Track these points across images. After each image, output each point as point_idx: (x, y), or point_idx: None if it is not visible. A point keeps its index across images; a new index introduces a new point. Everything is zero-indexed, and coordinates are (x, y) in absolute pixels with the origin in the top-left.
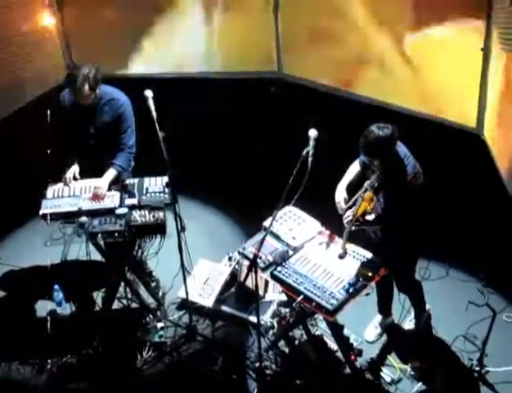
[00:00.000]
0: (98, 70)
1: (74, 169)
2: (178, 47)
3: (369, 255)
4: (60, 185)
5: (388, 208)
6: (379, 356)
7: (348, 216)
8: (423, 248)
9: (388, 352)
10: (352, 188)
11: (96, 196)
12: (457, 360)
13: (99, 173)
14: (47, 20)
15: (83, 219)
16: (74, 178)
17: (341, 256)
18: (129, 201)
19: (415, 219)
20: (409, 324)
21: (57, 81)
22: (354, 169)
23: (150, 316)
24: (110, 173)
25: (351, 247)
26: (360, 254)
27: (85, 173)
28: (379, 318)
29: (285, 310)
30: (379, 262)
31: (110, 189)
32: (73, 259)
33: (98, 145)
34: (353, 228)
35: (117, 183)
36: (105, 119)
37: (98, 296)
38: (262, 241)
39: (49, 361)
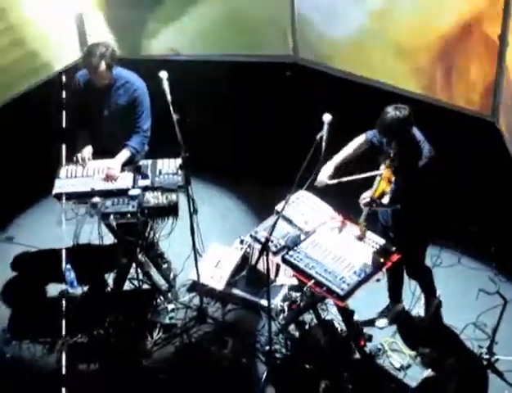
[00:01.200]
0: (114, 50)
1: (88, 149)
2: (191, 28)
3: (381, 241)
4: (73, 165)
5: (401, 190)
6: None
7: (365, 198)
8: (433, 233)
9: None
10: (343, 167)
11: (109, 177)
12: (467, 348)
13: (112, 155)
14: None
15: (96, 199)
16: (88, 160)
17: (360, 238)
18: (142, 183)
19: (426, 203)
20: (419, 311)
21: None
22: (353, 147)
23: (161, 298)
24: (124, 154)
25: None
26: (372, 240)
27: (98, 155)
28: (389, 305)
29: (295, 294)
30: (392, 248)
31: (123, 170)
32: (85, 241)
33: (112, 127)
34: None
35: (130, 165)
36: (120, 102)
37: (110, 277)
38: (274, 225)
39: (60, 340)
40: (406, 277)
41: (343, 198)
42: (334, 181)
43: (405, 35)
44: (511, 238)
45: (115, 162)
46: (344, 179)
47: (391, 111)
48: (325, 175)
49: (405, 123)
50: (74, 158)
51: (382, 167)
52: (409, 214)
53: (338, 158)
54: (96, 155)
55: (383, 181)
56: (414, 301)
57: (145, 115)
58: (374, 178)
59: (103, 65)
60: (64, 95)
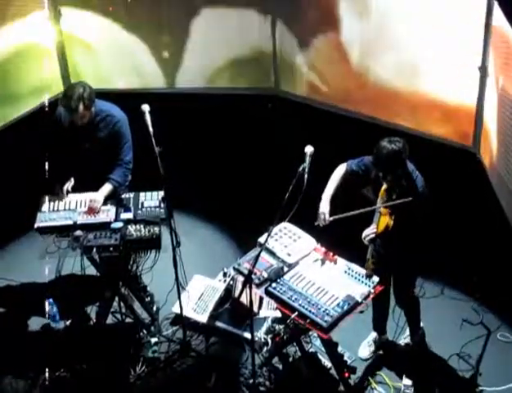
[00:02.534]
0: (92, 89)
1: (69, 183)
2: (175, 62)
3: (364, 272)
4: (55, 198)
5: (399, 222)
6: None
7: (369, 234)
8: (425, 263)
9: (381, 369)
10: (334, 200)
11: (91, 210)
12: (452, 379)
13: (95, 188)
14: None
15: (78, 232)
16: (67, 192)
17: (369, 276)
18: (125, 216)
19: (421, 233)
20: (404, 342)
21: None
22: (337, 179)
23: (144, 331)
24: (106, 188)
25: (347, 265)
26: (355, 271)
27: (81, 188)
28: (373, 335)
29: (279, 327)
30: (375, 279)
31: (105, 203)
32: (67, 273)
33: (94, 160)
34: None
35: (113, 198)
36: (101, 136)
37: (92, 311)
38: (257, 257)
39: (42, 375)
40: (390, 309)
41: (325, 230)
42: (336, 217)
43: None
44: (494, 269)
45: (98, 195)
46: (344, 215)
47: (386, 145)
48: (325, 212)
49: (401, 156)
50: (55, 190)
51: (379, 200)
52: (404, 244)
53: (329, 193)
54: (79, 188)
55: (384, 215)
56: (398, 332)
57: (127, 147)
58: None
59: (81, 107)
60: (45, 129)
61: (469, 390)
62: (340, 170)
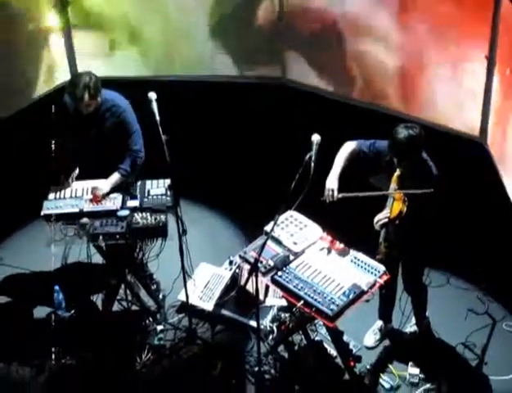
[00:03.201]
0: (98, 79)
1: (74, 172)
2: (182, 50)
3: (371, 261)
4: (60, 188)
5: (413, 209)
6: (378, 362)
7: (381, 219)
8: (433, 252)
9: (388, 359)
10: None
11: (94, 197)
12: (457, 368)
13: (103, 176)
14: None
15: (85, 220)
16: (72, 181)
17: (381, 260)
18: (131, 203)
19: (434, 221)
20: (409, 330)
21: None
22: (345, 157)
23: (150, 319)
24: (114, 177)
25: (353, 254)
26: (361, 260)
27: (88, 177)
28: (378, 324)
29: (284, 315)
30: (382, 268)
31: (113, 192)
32: (73, 261)
33: (102, 150)
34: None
35: (122, 187)
36: (107, 126)
37: (98, 298)
38: (263, 246)
39: (48, 362)
40: (396, 298)
41: (332, 218)
42: (346, 194)
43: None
44: (500, 259)
45: (103, 183)
46: (354, 194)
47: (403, 131)
48: (334, 189)
49: (418, 142)
50: (60, 181)
51: (392, 186)
52: (416, 231)
53: (337, 170)
54: (86, 177)
55: (397, 201)
56: (404, 321)
57: (136, 136)
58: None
59: (87, 96)
60: (53, 116)
61: (474, 380)
62: (348, 148)
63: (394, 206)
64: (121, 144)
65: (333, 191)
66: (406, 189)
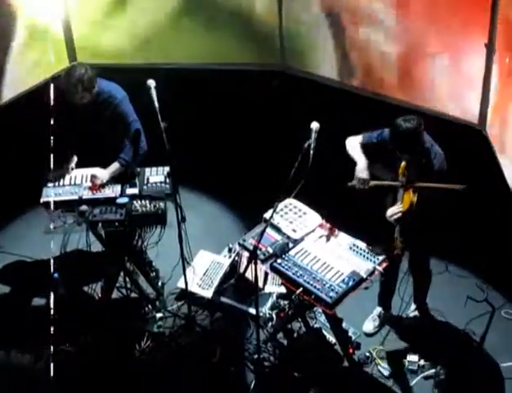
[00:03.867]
0: (93, 71)
1: (73, 160)
2: (179, 37)
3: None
4: (59, 174)
5: (422, 198)
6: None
7: (396, 213)
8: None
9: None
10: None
11: (93, 185)
12: (457, 355)
13: (101, 166)
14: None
15: (84, 207)
16: (72, 169)
17: (398, 255)
18: (130, 191)
19: (442, 207)
20: (409, 317)
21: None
22: (359, 150)
23: (149, 306)
24: (113, 166)
25: (352, 241)
26: (360, 248)
27: (87, 165)
28: (378, 310)
29: (284, 302)
30: (381, 256)
31: (116, 180)
32: (73, 248)
33: (97, 140)
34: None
35: (129, 175)
36: (104, 116)
37: (97, 285)
38: (262, 233)
39: (47, 350)
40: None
41: (331, 206)
42: (377, 182)
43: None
44: (499, 246)
45: (104, 172)
46: (385, 183)
47: (402, 124)
48: (366, 177)
49: (417, 134)
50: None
51: (400, 178)
52: (427, 218)
53: (363, 160)
54: (86, 164)
55: (407, 193)
56: (403, 308)
57: (133, 126)
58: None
59: (80, 88)
60: (50, 104)
61: (473, 367)
62: (356, 142)
63: (405, 198)
64: (120, 134)
65: (365, 180)
66: (412, 178)
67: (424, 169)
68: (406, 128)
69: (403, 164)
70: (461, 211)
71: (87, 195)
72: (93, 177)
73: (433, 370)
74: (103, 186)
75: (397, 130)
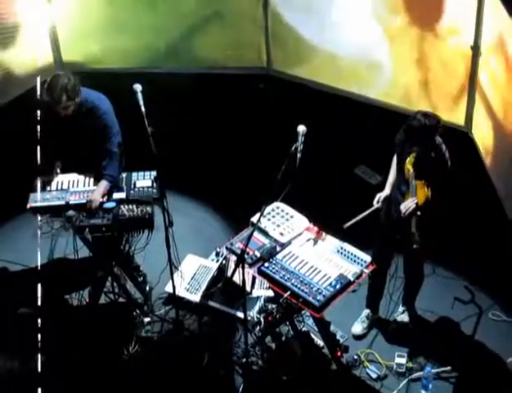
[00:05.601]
0: (77, 80)
1: (58, 165)
2: (166, 42)
3: (358, 252)
4: (46, 179)
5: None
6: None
7: (410, 206)
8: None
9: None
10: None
11: (89, 210)
12: (444, 356)
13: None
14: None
15: (71, 212)
16: (56, 174)
17: (418, 251)
18: (117, 196)
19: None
20: (396, 319)
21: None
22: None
23: (137, 311)
24: (102, 185)
25: (339, 244)
26: (348, 251)
27: (71, 170)
28: (366, 312)
29: (271, 306)
30: (368, 258)
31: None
32: (60, 254)
33: (82, 147)
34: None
35: (113, 190)
36: (86, 127)
37: (85, 291)
38: (249, 237)
39: (35, 357)
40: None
41: (318, 209)
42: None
43: None
44: (486, 248)
45: (95, 194)
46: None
47: (420, 118)
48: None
49: (431, 132)
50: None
51: (408, 174)
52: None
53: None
54: (68, 170)
55: (421, 188)
56: (391, 310)
57: (115, 138)
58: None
59: (64, 98)
60: (37, 110)
61: (461, 368)
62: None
63: (419, 193)
64: (101, 144)
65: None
66: (420, 173)
67: (434, 163)
68: (423, 123)
69: (410, 158)
70: (448, 213)
71: (74, 200)
72: (90, 202)
73: (420, 372)
74: (101, 206)
75: (413, 123)
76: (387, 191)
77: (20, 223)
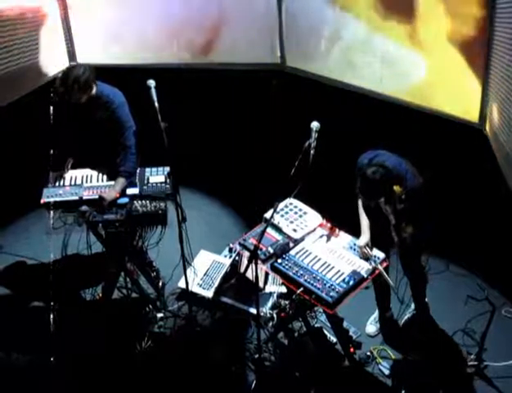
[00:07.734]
0: (91, 73)
1: (69, 161)
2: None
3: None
4: (60, 174)
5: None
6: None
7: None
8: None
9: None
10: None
11: (100, 207)
12: (456, 354)
13: (96, 167)
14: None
15: (84, 208)
16: (67, 169)
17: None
18: (131, 191)
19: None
20: (409, 317)
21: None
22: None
23: (150, 306)
24: (119, 182)
25: (352, 240)
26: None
27: (83, 166)
28: (378, 312)
29: (284, 302)
30: (381, 255)
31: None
32: (73, 250)
33: (96, 141)
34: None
35: (130, 185)
36: (99, 120)
37: (98, 286)
38: (262, 233)
39: (46, 351)
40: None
41: (331, 205)
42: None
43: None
44: (499, 245)
45: (112, 192)
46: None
47: (369, 174)
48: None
49: (384, 182)
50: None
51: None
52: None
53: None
54: (82, 165)
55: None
56: (403, 308)
57: (129, 133)
58: None
59: (76, 88)
60: (51, 104)
61: (474, 366)
62: (360, 205)
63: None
64: (115, 139)
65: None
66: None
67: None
68: (373, 180)
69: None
70: (461, 210)
71: (87, 195)
72: (101, 199)
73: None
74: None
75: (365, 185)
76: (366, 236)
77: (34, 218)
